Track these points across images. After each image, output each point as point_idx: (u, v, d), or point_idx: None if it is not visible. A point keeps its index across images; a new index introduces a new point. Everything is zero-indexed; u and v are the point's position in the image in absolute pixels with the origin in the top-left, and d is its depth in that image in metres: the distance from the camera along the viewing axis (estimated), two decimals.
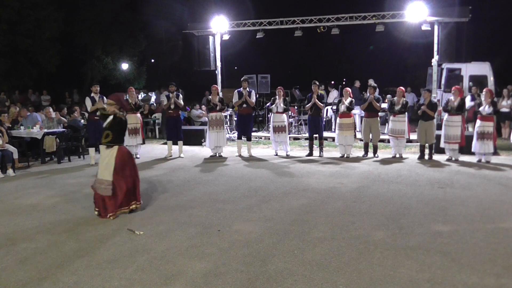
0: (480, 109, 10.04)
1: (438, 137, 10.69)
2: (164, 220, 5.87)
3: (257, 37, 14.43)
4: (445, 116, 10.53)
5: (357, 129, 12.68)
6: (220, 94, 11.64)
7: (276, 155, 11.41)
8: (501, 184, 7.91)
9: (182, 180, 8.50)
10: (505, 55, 26.60)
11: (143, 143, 11.74)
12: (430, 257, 4.53)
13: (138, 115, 11.27)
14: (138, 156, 11.24)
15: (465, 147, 10.50)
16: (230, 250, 4.79)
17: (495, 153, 10.47)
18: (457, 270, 4.22)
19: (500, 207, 6.42)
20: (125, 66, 28.42)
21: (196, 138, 13.50)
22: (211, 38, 14.41)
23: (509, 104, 12.90)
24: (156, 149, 13.02)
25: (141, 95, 20.50)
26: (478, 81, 15.04)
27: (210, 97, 11.34)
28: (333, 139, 12.15)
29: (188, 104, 17.17)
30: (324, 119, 12.67)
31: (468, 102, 12.35)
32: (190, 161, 10.68)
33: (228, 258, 4.57)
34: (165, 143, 12.19)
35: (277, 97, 11.30)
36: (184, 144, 11.88)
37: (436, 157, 10.66)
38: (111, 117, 6.17)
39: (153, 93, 21.63)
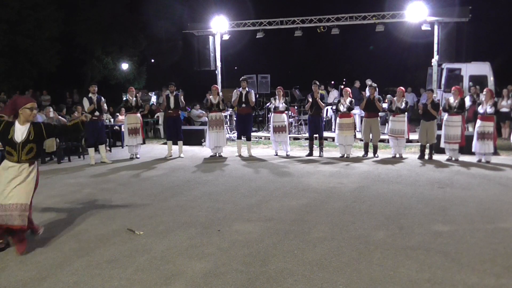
0: (481, 109, 10.03)
1: (438, 137, 10.68)
2: (164, 220, 5.87)
3: (257, 37, 14.43)
4: (445, 116, 10.53)
5: (357, 129, 12.68)
6: (220, 94, 11.64)
7: (276, 155, 11.40)
8: (501, 184, 7.91)
9: (182, 180, 8.50)
10: (505, 55, 26.64)
11: (143, 143, 11.75)
12: (430, 257, 4.53)
13: (138, 115, 11.28)
14: (138, 156, 11.25)
15: (465, 147, 10.49)
16: (230, 250, 4.79)
17: (495, 153, 10.47)
18: (457, 270, 4.22)
19: (500, 207, 6.42)
20: (125, 66, 28.46)
21: (196, 138, 13.50)
22: (211, 38, 14.41)
23: (509, 104, 12.89)
24: (156, 149, 13.02)
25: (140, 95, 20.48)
26: (478, 81, 15.04)
27: (210, 97, 11.34)
28: (333, 139, 12.14)
29: (188, 104, 17.18)
30: (324, 119, 12.69)
31: (468, 103, 12.35)
32: (190, 161, 10.68)
33: (228, 258, 4.57)
34: (165, 143, 12.20)
35: (276, 97, 11.30)
36: (184, 144, 11.89)
37: (436, 157, 10.65)
38: (28, 124, 4.83)
39: (153, 93, 21.62)
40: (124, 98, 13.81)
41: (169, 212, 6.29)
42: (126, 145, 11.46)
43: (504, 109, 12.77)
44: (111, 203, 6.84)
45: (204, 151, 12.16)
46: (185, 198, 7.06)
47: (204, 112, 15.64)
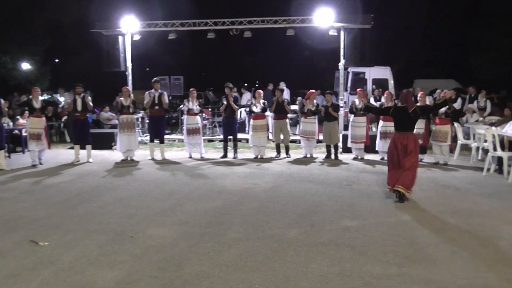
0: None
1: (346, 137, 11.25)
2: (71, 229, 5.56)
3: (169, 38, 14.19)
4: (351, 117, 11.12)
5: (270, 131, 12.95)
6: (132, 96, 11.28)
7: (190, 157, 11.30)
8: None
9: (91, 186, 8.11)
10: (403, 61, 28.86)
11: (48, 148, 11.03)
12: (340, 252, 4.75)
13: (43, 118, 10.54)
14: (42, 162, 10.52)
15: (369, 146, 11.15)
16: (143, 256, 4.66)
17: None
18: (363, 262, 4.46)
19: None
20: (25, 65, 26.61)
21: (106, 142, 12.97)
22: (120, 38, 13.89)
23: None
24: (62, 154, 12.28)
25: (45, 97, 19.31)
26: (380, 84, 16.08)
27: (121, 99, 10.96)
28: (247, 140, 12.30)
29: (97, 106, 16.48)
30: (238, 121, 12.81)
31: (373, 103, 13.13)
32: (99, 166, 10.22)
33: (141, 264, 4.44)
34: (72, 148, 11.55)
35: (190, 99, 11.22)
36: (93, 148, 11.34)
37: (344, 156, 11.21)
38: None
39: (58, 95, 20.42)
40: (25, 99, 12.75)
41: (77, 220, 5.97)
42: (28, 151, 10.66)
43: None
44: (11, 213, 6.33)
45: (114, 155, 11.71)
46: (95, 205, 6.75)
47: (114, 114, 15.06)
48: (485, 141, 9.40)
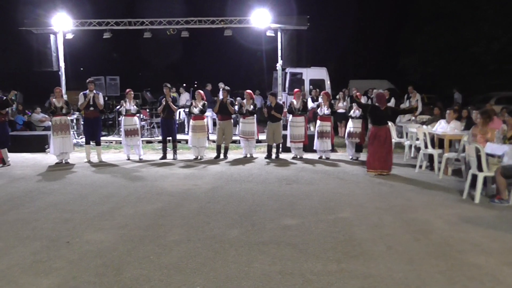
0: (319, 110, 11.03)
1: (285, 137, 11.46)
2: (2, 236, 5.27)
3: (104, 37, 13.76)
4: (290, 117, 11.34)
5: (210, 131, 12.91)
6: (65, 96, 10.82)
7: (128, 159, 11.04)
8: (339, 178, 8.80)
9: (23, 191, 7.71)
10: (337, 61, 29.82)
11: None
12: (281, 250, 4.84)
13: None
14: None
15: (308, 146, 11.42)
16: (81, 262, 4.51)
17: (333, 150, 11.60)
18: (304, 260, 4.57)
19: (339, 198, 7.13)
20: None
21: (38, 145, 12.37)
22: (52, 36, 13.32)
23: (345, 105, 14.38)
24: None
25: None
26: (317, 85, 16.51)
27: (53, 100, 10.50)
28: (187, 141, 12.19)
29: (29, 107, 15.69)
30: (177, 122, 12.67)
31: (310, 104, 13.48)
32: (32, 170, 9.74)
33: (79, 270, 4.29)
34: None
35: (127, 99, 10.97)
36: (25, 151, 10.82)
37: (283, 155, 11.40)
38: None
39: None
40: None
41: (9, 226, 5.66)
42: None
43: (341, 110, 14.19)
44: None
45: (48, 158, 11.20)
46: (28, 210, 6.43)
47: (46, 116, 14.40)
48: (417, 139, 9.93)
